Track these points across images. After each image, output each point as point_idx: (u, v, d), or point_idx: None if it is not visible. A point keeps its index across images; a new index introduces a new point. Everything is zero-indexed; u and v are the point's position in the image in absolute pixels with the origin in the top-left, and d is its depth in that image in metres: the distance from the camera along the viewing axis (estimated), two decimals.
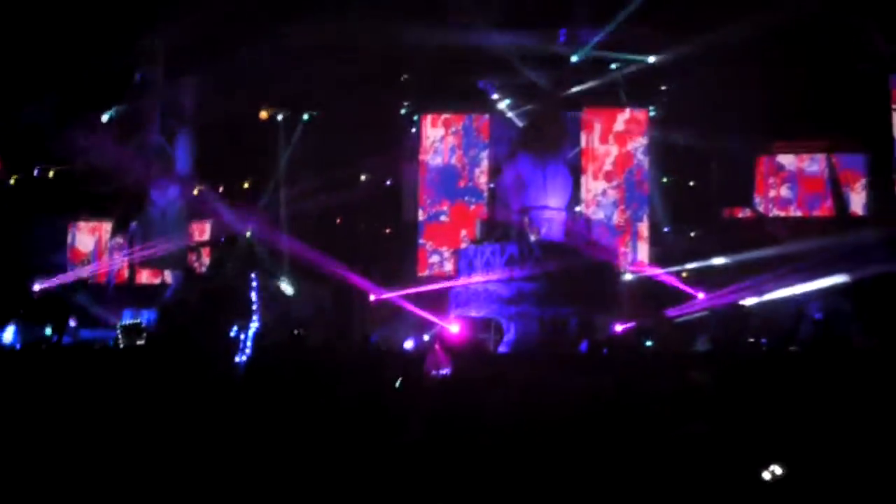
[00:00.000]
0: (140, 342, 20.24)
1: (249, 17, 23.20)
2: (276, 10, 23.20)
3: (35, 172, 26.17)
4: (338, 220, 26.95)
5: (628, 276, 23.82)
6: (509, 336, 21.65)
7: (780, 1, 21.32)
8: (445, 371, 16.75)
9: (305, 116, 26.74)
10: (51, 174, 26.08)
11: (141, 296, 24.35)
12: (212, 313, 21.36)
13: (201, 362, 17.63)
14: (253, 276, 22.03)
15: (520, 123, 26.15)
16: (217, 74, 24.06)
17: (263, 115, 26.53)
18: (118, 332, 20.72)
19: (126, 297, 24.52)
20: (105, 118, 25.60)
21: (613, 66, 25.37)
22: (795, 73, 22.44)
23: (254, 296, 21.69)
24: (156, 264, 24.53)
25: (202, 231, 26.03)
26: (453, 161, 26.63)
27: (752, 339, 20.09)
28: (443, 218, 26.50)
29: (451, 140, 26.71)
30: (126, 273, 26.28)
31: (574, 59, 25.45)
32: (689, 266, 23.56)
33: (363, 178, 26.54)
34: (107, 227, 26.14)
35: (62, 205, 25.89)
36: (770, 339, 19.80)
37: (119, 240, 25.46)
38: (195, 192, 25.65)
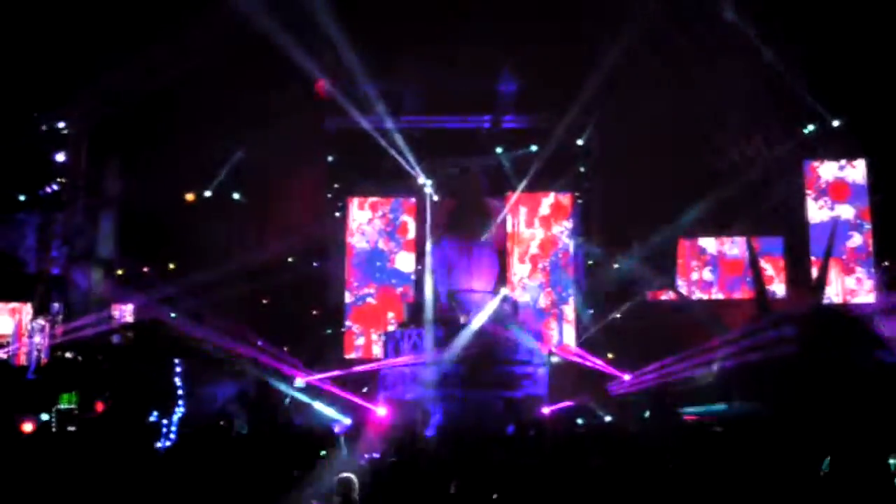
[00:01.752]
0: (72, 428, 19.80)
1: (176, 98, 23.16)
2: (203, 94, 23.18)
3: None
4: (264, 302, 26.72)
5: (555, 359, 23.90)
6: (436, 418, 21.57)
7: (700, 85, 21.95)
8: (375, 454, 16.63)
9: (236, 196, 26.60)
10: None
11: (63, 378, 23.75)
12: (133, 398, 20.98)
13: (122, 447, 17.33)
14: (177, 361, 21.73)
15: (446, 207, 26.38)
16: (142, 155, 23.99)
17: (190, 197, 26.37)
18: (52, 416, 20.26)
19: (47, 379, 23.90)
20: (24, 198, 25.24)
21: (534, 148, 25.72)
22: (715, 157, 22.98)
23: (178, 381, 21.38)
24: (76, 347, 24.02)
25: (125, 313, 25.61)
26: (380, 244, 26.72)
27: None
28: (369, 300, 26.49)
29: (377, 223, 26.82)
30: (47, 355, 25.67)
31: (498, 145, 25.86)
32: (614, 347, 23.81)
33: (290, 259, 26.39)
34: (27, 308, 25.61)
35: None
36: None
37: (40, 321, 24.92)
38: (118, 273, 25.29)
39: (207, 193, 26.46)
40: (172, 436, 20.57)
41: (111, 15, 22.29)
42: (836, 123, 24.30)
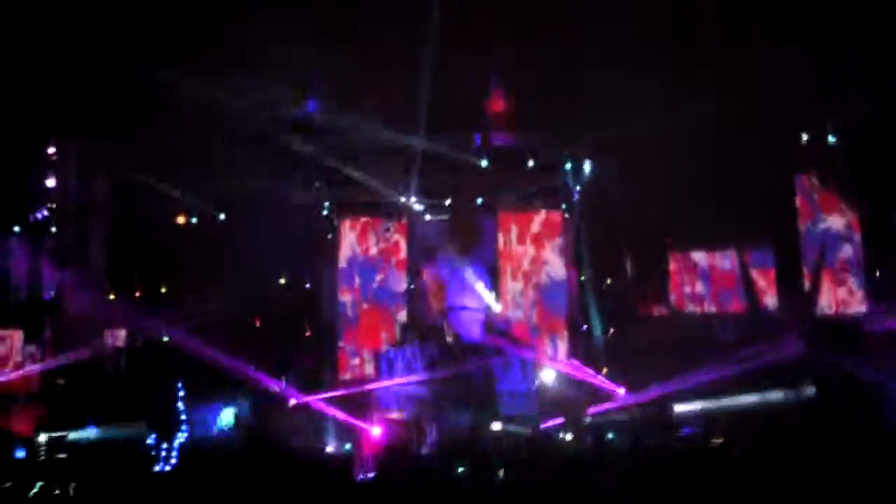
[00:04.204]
0: (62, 455, 19.76)
1: (161, 118, 23.17)
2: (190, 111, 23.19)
3: None
4: (256, 324, 26.68)
5: (548, 375, 23.89)
6: (432, 437, 21.56)
7: (689, 102, 22.02)
8: (371, 475, 16.68)
9: (222, 216, 26.56)
10: None
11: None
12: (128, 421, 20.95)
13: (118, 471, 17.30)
14: (179, 384, 21.69)
15: (438, 226, 26.44)
16: (134, 178, 23.98)
17: (180, 220, 26.35)
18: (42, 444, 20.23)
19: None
20: (16, 227, 25.21)
21: (529, 166, 25.77)
22: (705, 170, 23.02)
23: (180, 404, 21.35)
24: (70, 372, 23.94)
25: (117, 337, 25.52)
26: (372, 264, 26.67)
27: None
28: (362, 320, 26.42)
29: (369, 243, 26.79)
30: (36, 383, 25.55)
31: (486, 162, 25.89)
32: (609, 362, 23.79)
33: (282, 281, 26.37)
34: (18, 335, 25.52)
35: None
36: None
37: (31, 348, 24.84)
38: (110, 297, 25.22)
39: (194, 220, 26.44)
40: (173, 460, 20.57)
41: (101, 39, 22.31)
42: (830, 139, 24.40)
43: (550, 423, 21.62)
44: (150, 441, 20.46)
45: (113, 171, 25.12)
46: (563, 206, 26.33)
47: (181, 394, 21.57)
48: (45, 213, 25.32)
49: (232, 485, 14.83)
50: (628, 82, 22.40)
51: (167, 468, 20.00)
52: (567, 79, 23.12)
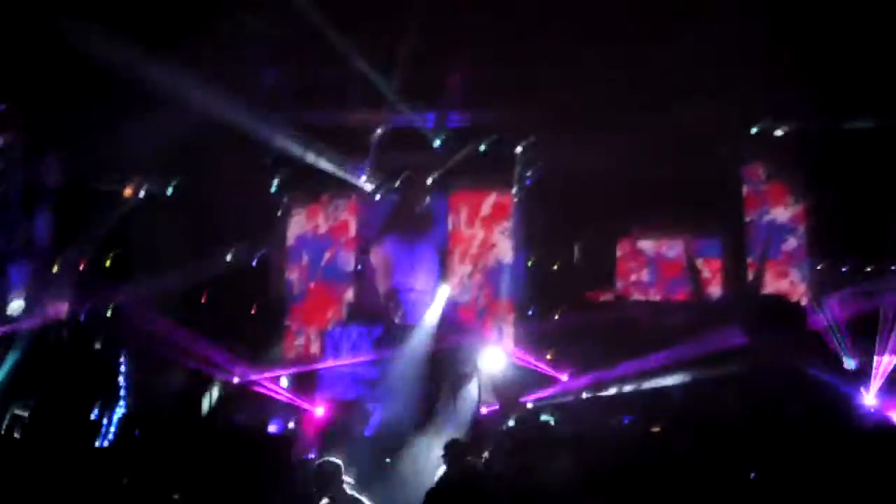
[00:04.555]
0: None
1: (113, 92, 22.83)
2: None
3: None
4: (202, 299, 26.51)
5: (493, 359, 23.94)
6: (375, 418, 21.59)
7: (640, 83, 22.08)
8: (312, 455, 16.71)
9: (170, 190, 26.31)
10: None
11: None
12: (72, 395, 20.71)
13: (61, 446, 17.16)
14: (121, 357, 21.48)
15: (387, 205, 26.38)
16: (80, 147, 23.63)
17: (128, 191, 26.06)
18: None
19: None
20: None
21: (481, 148, 25.74)
22: (653, 157, 23.07)
23: (121, 378, 21.16)
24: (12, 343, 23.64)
25: (61, 309, 25.25)
26: (319, 242, 26.58)
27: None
28: (309, 298, 26.36)
29: (318, 220, 26.69)
30: None
31: (439, 142, 25.80)
32: (553, 348, 23.88)
33: (229, 256, 26.20)
34: None
35: None
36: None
37: None
38: (54, 268, 24.92)
39: (142, 193, 26.18)
40: (111, 435, 20.40)
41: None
42: (778, 132, 24.58)
43: (488, 408, 21.68)
44: (93, 416, 20.25)
45: (61, 139, 24.71)
46: (514, 188, 26.36)
47: (122, 367, 21.34)
48: None
49: (169, 461, 14.79)
50: (584, 65, 22.43)
51: (105, 443, 19.84)
52: (523, 59, 23.07)
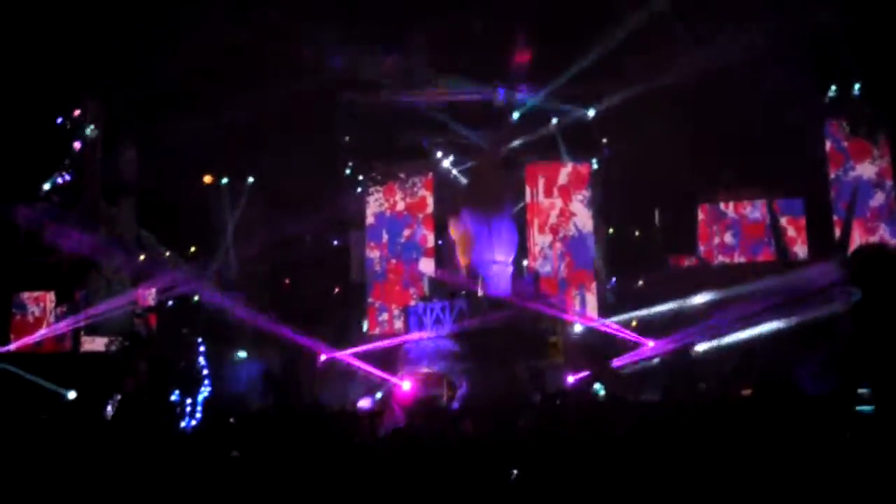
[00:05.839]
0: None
1: (191, 83, 23.12)
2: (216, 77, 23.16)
3: None
4: (286, 282, 26.81)
5: (578, 328, 23.85)
6: (462, 391, 21.61)
7: (715, 49, 21.74)
8: (399, 424, 16.74)
9: (250, 179, 26.67)
10: None
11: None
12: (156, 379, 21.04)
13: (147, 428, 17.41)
14: (199, 341, 21.77)
15: (464, 180, 26.39)
16: (159, 140, 23.97)
17: (207, 179, 26.43)
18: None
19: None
20: (46, 187, 25.28)
21: (554, 120, 25.59)
22: (732, 120, 22.74)
23: (202, 361, 21.43)
24: (101, 332, 24.12)
25: (148, 297, 25.71)
26: (398, 219, 26.68)
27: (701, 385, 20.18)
28: (390, 276, 26.48)
29: (396, 198, 26.79)
30: (70, 342, 25.77)
31: (514, 116, 25.68)
32: (637, 315, 23.64)
33: (308, 238, 26.44)
34: (51, 296, 25.75)
35: (3, 276, 25.44)
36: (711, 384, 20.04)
37: (64, 309, 25.07)
38: (140, 258, 25.37)
39: (224, 180, 26.56)
40: (198, 416, 20.68)
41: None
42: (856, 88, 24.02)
43: (577, 375, 21.55)
44: (174, 398, 20.51)
45: (140, 132, 25.10)
46: (591, 158, 26.18)
47: (202, 350, 21.61)
48: (74, 174, 25.37)
49: (258, 442, 14.86)
50: (656, 30, 22.19)
51: (192, 423, 20.11)
52: (592, 30, 22.89)
